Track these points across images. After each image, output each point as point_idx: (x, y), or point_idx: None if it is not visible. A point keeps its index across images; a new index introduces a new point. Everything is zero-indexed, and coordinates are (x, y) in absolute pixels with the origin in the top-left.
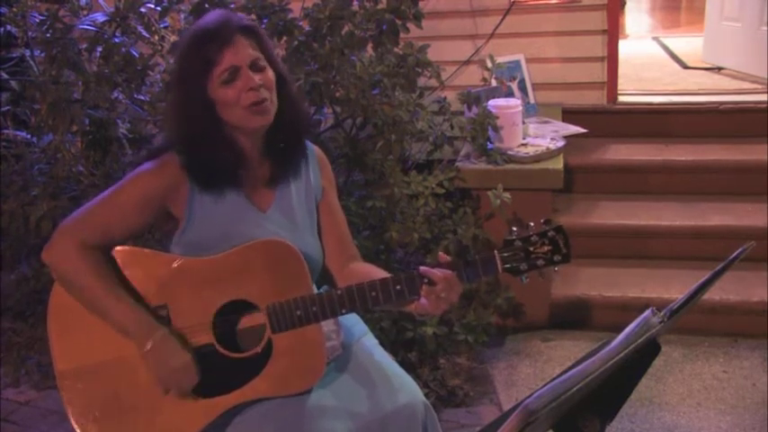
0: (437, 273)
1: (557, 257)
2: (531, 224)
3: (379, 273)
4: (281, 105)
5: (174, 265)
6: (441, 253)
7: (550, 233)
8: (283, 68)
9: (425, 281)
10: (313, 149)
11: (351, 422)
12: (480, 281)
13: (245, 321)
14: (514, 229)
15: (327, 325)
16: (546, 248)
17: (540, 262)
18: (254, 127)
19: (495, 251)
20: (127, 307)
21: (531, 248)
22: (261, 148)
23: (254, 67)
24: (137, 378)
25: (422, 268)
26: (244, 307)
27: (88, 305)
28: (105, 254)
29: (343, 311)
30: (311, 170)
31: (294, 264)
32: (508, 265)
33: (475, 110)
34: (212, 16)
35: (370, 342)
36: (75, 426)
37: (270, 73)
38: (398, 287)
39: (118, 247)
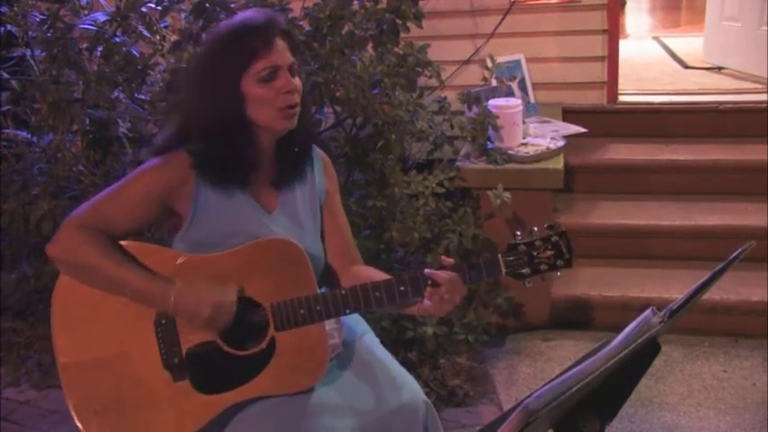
0: (442, 275)
1: (559, 262)
2: (535, 229)
3: (381, 276)
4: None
5: (179, 261)
6: (442, 256)
7: (554, 238)
8: (304, 79)
9: (429, 282)
10: (318, 152)
11: (354, 419)
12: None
13: (249, 319)
14: (518, 233)
15: (329, 323)
16: (549, 253)
17: (543, 267)
18: (280, 129)
19: (500, 255)
20: (141, 274)
21: (535, 253)
22: (274, 150)
23: (291, 70)
24: (139, 374)
25: (427, 271)
26: (248, 305)
27: (101, 284)
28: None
29: (347, 311)
30: (316, 172)
31: (299, 263)
32: (511, 270)
33: (475, 109)
34: (257, 13)
35: (371, 340)
36: (77, 419)
37: (300, 82)
38: (402, 288)
39: (123, 242)
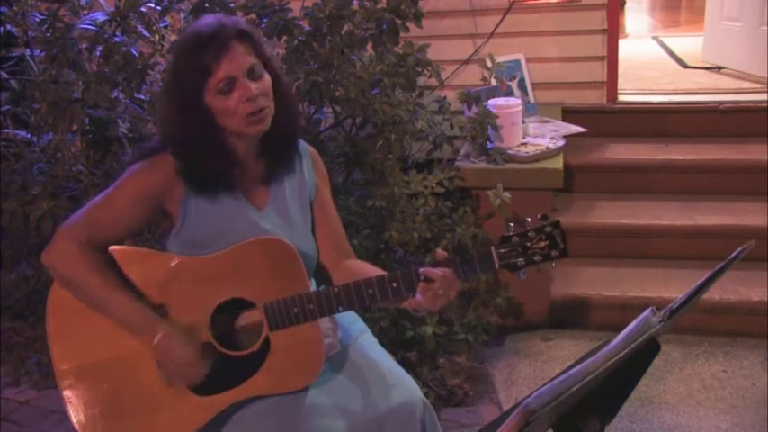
0: (436, 272)
1: (554, 253)
2: (528, 220)
3: (374, 270)
4: (276, 107)
5: (172, 264)
6: (438, 250)
7: (547, 228)
8: (279, 69)
9: (422, 278)
10: (306, 148)
11: (345, 421)
12: (478, 277)
13: (243, 319)
14: (511, 224)
15: (324, 322)
16: (543, 244)
17: (538, 257)
18: (252, 134)
19: (492, 247)
20: (130, 304)
21: (529, 244)
22: (256, 149)
23: (251, 74)
24: (137, 377)
25: (422, 269)
26: (241, 305)
27: (91, 304)
28: (105, 254)
29: (341, 309)
30: (305, 168)
31: (291, 261)
32: (505, 261)
33: (475, 109)
34: (206, 21)
35: (367, 341)
36: (76, 425)
37: (266, 78)
38: (395, 284)
39: (115, 247)
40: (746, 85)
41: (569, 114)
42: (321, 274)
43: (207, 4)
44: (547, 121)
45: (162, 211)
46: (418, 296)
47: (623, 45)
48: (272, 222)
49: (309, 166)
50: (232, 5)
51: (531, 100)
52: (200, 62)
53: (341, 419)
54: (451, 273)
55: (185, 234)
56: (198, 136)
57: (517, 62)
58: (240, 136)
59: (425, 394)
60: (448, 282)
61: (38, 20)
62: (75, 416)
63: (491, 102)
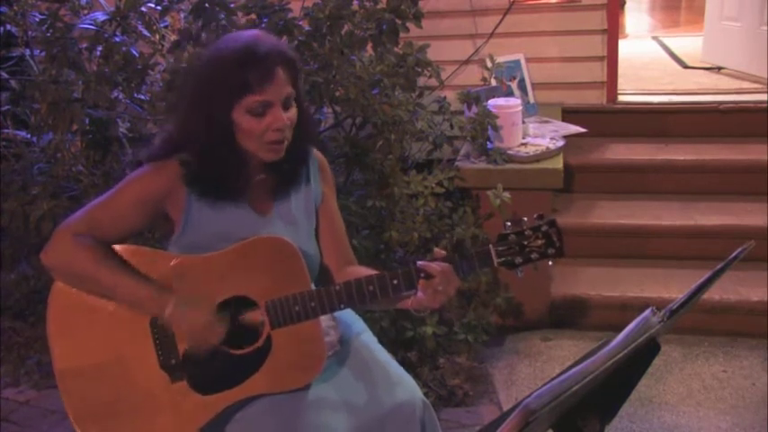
0: (435, 266)
1: (550, 251)
2: (525, 219)
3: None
4: (295, 136)
5: (173, 262)
6: (436, 249)
7: (544, 227)
8: (305, 101)
9: (422, 275)
10: (314, 154)
11: (349, 416)
12: (476, 275)
13: (245, 317)
14: (508, 223)
15: (325, 321)
16: (540, 242)
17: (535, 255)
18: (266, 160)
19: (491, 245)
20: (136, 281)
21: (526, 242)
22: (263, 165)
23: (285, 104)
24: (136, 376)
25: (420, 263)
26: (243, 303)
27: (95, 290)
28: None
29: (341, 306)
30: (312, 175)
31: (292, 259)
32: (503, 259)
33: (475, 109)
34: (263, 40)
35: (368, 339)
36: (76, 426)
37: (294, 110)
38: (395, 281)
39: (117, 246)
40: (746, 85)
41: (569, 114)
42: (323, 279)
43: (207, 4)
44: (547, 122)
45: (163, 215)
46: (419, 293)
47: (623, 45)
48: (276, 228)
49: (317, 174)
50: (232, 5)
51: (531, 100)
52: (245, 78)
53: (344, 415)
54: (450, 268)
55: (186, 239)
56: (218, 146)
57: (517, 62)
58: (253, 156)
59: (425, 394)
60: (447, 277)
61: (38, 20)
62: (75, 416)
63: (491, 102)
